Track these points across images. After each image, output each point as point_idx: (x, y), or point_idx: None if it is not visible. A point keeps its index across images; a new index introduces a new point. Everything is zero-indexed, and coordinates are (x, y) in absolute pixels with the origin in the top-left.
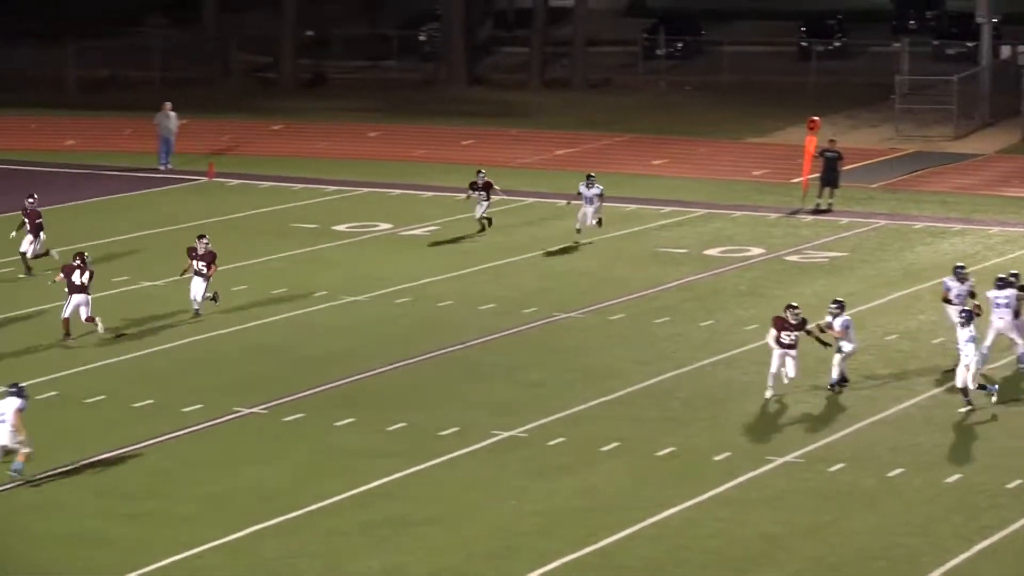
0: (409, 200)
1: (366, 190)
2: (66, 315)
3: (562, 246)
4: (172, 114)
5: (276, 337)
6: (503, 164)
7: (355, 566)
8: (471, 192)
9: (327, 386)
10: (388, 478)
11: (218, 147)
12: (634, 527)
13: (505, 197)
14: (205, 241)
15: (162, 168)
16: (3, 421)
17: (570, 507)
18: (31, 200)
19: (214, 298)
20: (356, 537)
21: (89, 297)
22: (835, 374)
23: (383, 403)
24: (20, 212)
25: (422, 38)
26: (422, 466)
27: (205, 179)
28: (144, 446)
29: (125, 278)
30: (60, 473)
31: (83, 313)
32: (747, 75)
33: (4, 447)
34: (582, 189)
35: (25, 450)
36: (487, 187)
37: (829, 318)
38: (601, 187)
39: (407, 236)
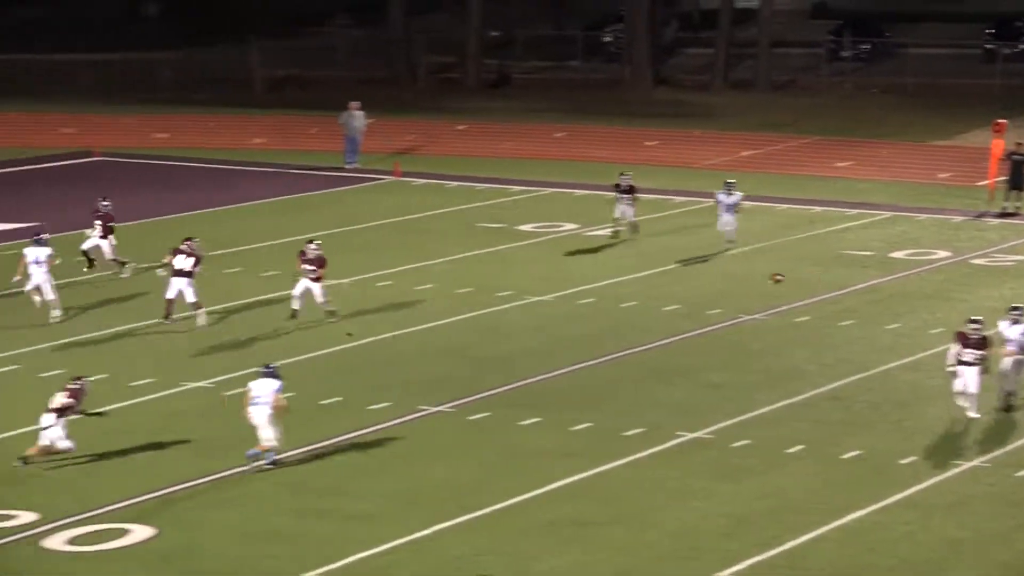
0: (593, 200)
1: (551, 190)
2: (169, 296)
3: (746, 248)
4: (358, 113)
5: (462, 336)
6: (686, 165)
7: (540, 565)
8: (615, 193)
9: (512, 385)
10: (573, 478)
11: (404, 146)
12: (820, 530)
13: (659, 198)
14: (313, 246)
15: (347, 167)
16: (261, 403)
17: (755, 509)
18: (105, 204)
19: (332, 312)
20: (541, 536)
21: (192, 282)
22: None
23: (568, 403)
24: (92, 213)
25: (607, 39)
26: (606, 467)
27: (391, 178)
28: (331, 443)
29: None
30: (249, 469)
31: (188, 296)
32: (932, 78)
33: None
34: (720, 197)
35: (272, 441)
36: (631, 190)
37: (1006, 323)
38: (741, 194)
39: (592, 236)
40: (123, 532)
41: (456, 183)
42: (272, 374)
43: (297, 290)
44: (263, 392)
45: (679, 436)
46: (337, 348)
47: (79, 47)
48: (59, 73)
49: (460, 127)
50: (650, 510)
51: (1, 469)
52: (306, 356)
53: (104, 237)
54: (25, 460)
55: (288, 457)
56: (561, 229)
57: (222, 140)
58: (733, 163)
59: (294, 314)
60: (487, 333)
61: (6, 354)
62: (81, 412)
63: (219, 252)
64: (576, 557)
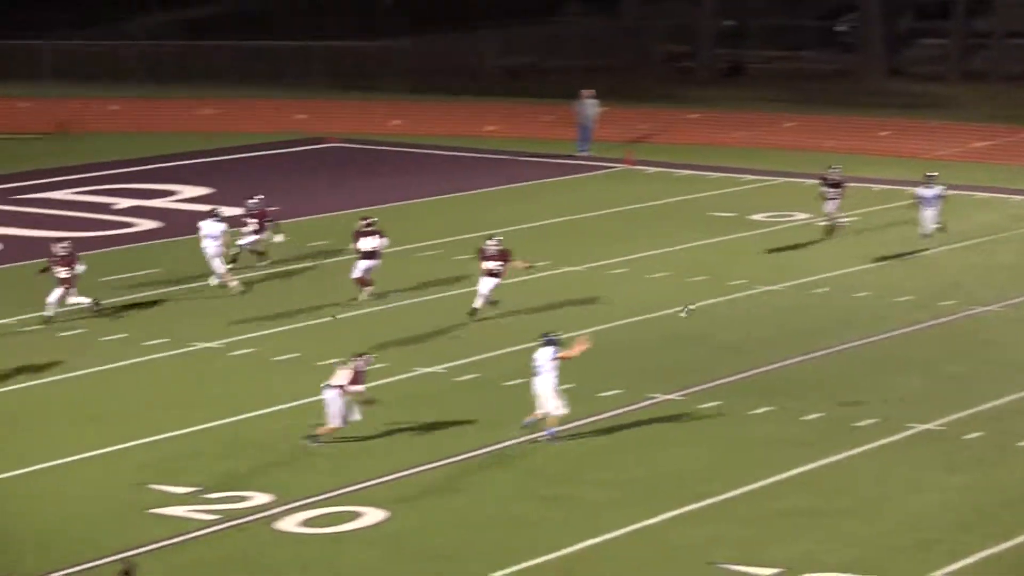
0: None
1: (782, 180)
2: (355, 276)
3: (978, 240)
4: (591, 101)
5: (694, 325)
6: (917, 156)
7: (769, 555)
8: (822, 187)
9: (744, 374)
10: (803, 468)
11: (636, 135)
12: None
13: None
14: (493, 242)
15: (579, 154)
16: (543, 372)
17: (987, 502)
18: (257, 200)
19: (494, 303)
20: (771, 526)
21: (376, 263)
22: None
23: (799, 393)
24: (245, 210)
25: (841, 29)
26: (837, 457)
27: (622, 166)
28: (563, 430)
29: (547, 262)
30: (479, 455)
31: (359, 272)
32: None
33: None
34: (920, 191)
35: (560, 412)
36: (838, 184)
37: None
38: (942, 186)
39: (823, 227)
40: (356, 515)
41: (687, 172)
42: (552, 342)
43: (481, 287)
44: (544, 360)
45: (910, 427)
46: (570, 334)
47: (313, 34)
48: (293, 60)
49: (692, 116)
50: (881, 501)
51: (232, 451)
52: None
53: (258, 232)
54: (313, 438)
55: (520, 444)
56: (793, 219)
57: (455, 127)
58: (965, 154)
59: (474, 312)
60: (719, 322)
61: (237, 338)
62: (354, 392)
63: (449, 239)
64: (807, 547)
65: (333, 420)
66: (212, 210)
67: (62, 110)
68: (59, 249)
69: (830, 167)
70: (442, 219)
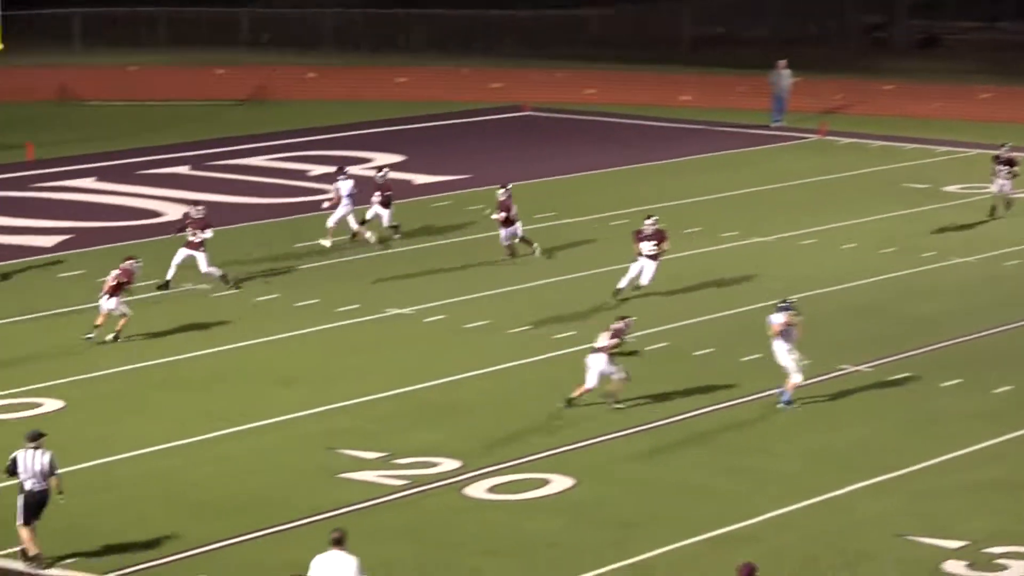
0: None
1: (976, 151)
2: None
3: None
4: (785, 72)
5: (884, 296)
6: None
7: (955, 528)
8: (994, 165)
9: (934, 346)
10: (994, 441)
11: (830, 106)
12: None
13: None
14: (651, 221)
15: (774, 125)
16: (778, 340)
17: None
18: (382, 172)
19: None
20: (959, 499)
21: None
22: None
23: (991, 365)
24: (374, 187)
25: None
26: None
27: (816, 137)
28: (748, 400)
29: (735, 233)
30: (665, 424)
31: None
32: None
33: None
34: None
35: (796, 379)
36: (1010, 162)
37: None
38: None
39: (1019, 199)
40: (543, 482)
41: (880, 143)
42: (786, 307)
43: (632, 271)
44: (777, 321)
45: None
46: (757, 306)
47: (505, 4)
48: (485, 28)
49: (887, 87)
50: None
51: (423, 417)
52: (724, 314)
53: (385, 206)
54: (569, 402)
55: (703, 414)
56: (986, 191)
57: (649, 97)
58: None
59: (617, 292)
60: (910, 293)
61: (429, 305)
62: (617, 351)
63: (641, 208)
64: (996, 519)
65: (589, 382)
66: (340, 168)
67: (258, 77)
68: (194, 212)
69: (1002, 145)
70: (631, 189)
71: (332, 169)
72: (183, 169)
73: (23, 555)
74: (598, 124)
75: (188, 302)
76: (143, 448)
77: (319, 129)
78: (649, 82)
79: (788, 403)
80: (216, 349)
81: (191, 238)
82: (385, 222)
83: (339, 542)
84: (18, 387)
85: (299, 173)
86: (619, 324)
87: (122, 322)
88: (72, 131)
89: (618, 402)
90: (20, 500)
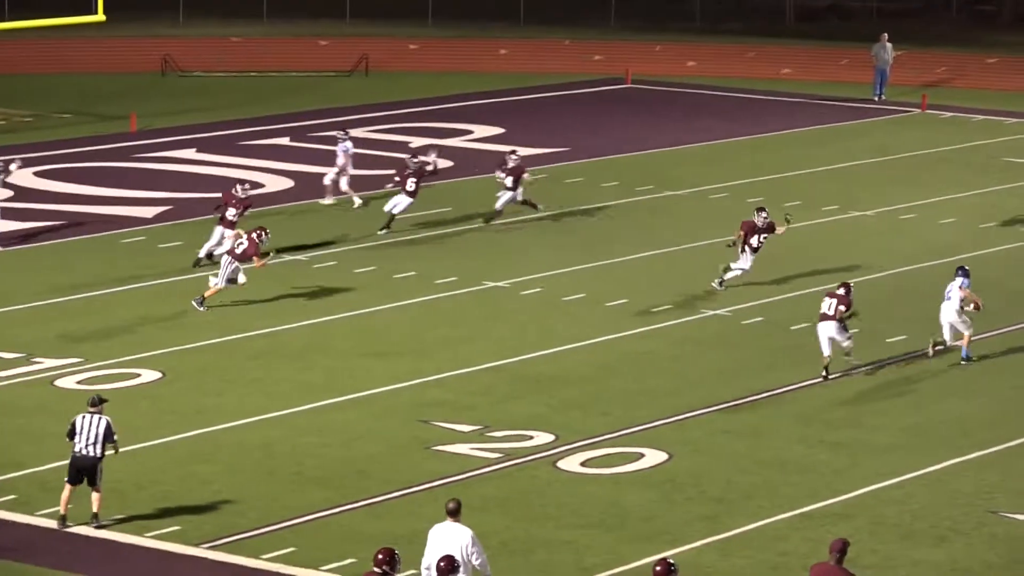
0: None
1: None
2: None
3: None
4: (888, 45)
5: (985, 271)
6: None
7: None
8: None
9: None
10: None
11: (932, 79)
12: None
13: None
14: (764, 215)
15: (876, 99)
16: (951, 299)
17: None
18: (515, 156)
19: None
20: None
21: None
22: None
23: None
24: (500, 167)
25: None
26: None
27: (918, 111)
28: (847, 375)
29: (834, 207)
30: (760, 398)
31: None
32: None
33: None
34: None
35: (967, 332)
36: None
37: None
38: None
39: None
40: (637, 456)
41: (982, 117)
42: (965, 272)
43: (744, 262)
44: (953, 289)
45: None
46: (867, 278)
47: None
48: (588, 0)
49: (990, 60)
50: None
51: (517, 390)
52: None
53: (513, 189)
54: (825, 376)
55: (800, 388)
56: None
57: (750, 70)
58: None
59: (721, 283)
60: (1010, 268)
61: (526, 278)
62: (848, 316)
63: (741, 182)
64: None
65: (825, 351)
66: (344, 131)
67: (361, 49)
68: (239, 191)
69: None
70: (730, 163)
71: (434, 141)
72: (283, 140)
73: (61, 518)
74: (699, 96)
75: (286, 272)
76: (240, 419)
77: (420, 101)
78: (751, 54)
79: (967, 359)
80: (313, 321)
81: (231, 217)
82: (518, 197)
83: (454, 513)
84: (117, 357)
85: (400, 145)
86: (842, 291)
87: (214, 291)
88: (174, 102)
89: (826, 372)
90: (70, 460)
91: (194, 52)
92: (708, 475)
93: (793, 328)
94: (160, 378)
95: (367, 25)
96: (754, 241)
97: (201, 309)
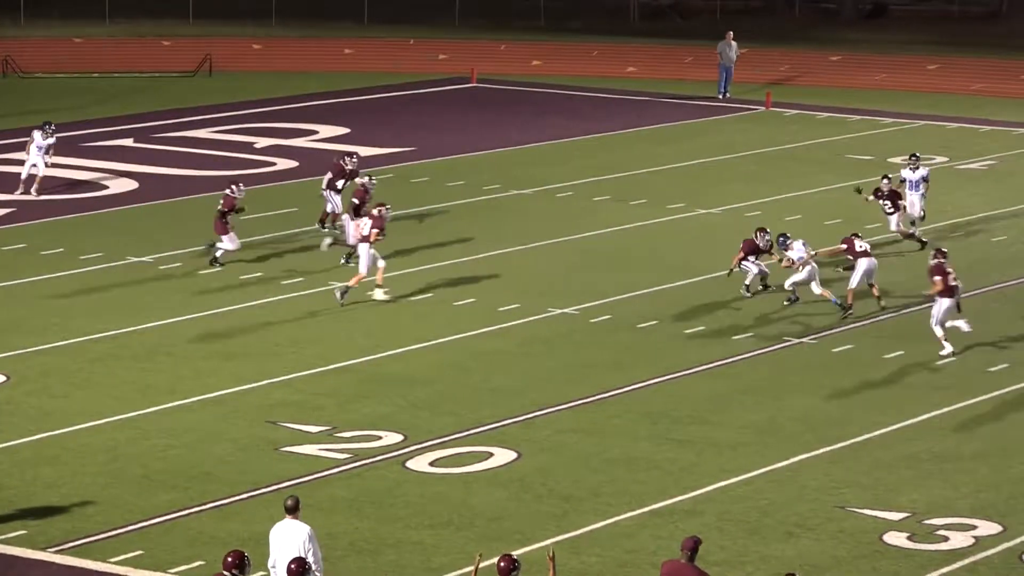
0: (966, 134)
1: (923, 123)
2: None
3: None
4: (733, 43)
5: (831, 269)
6: None
7: (900, 499)
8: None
9: (879, 318)
10: (936, 412)
11: (776, 77)
12: None
13: None
14: (767, 237)
15: (721, 97)
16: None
17: None
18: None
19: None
20: (902, 470)
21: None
22: None
23: (931, 337)
24: None
25: None
26: (970, 401)
27: (762, 109)
28: (692, 372)
29: (680, 205)
30: (608, 397)
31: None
32: None
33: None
34: (905, 174)
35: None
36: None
37: None
38: (927, 169)
39: (963, 170)
40: (486, 455)
41: (827, 114)
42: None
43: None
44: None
45: None
46: (712, 276)
47: None
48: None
49: (833, 58)
50: (1014, 446)
51: (365, 390)
52: (671, 285)
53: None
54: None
55: (648, 386)
56: (932, 162)
57: (596, 68)
58: None
59: (746, 289)
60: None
61: (374, 279)
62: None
63: (587, 180)
64: (938, 491)
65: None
66: (44, 123)
67: (205, 49)
68: (236, 192)
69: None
70: (579, 160)
71: (279, 141)
72: (127, 142)
73: None
74: (544, 95)
75: (130, 274)
76: (85, 422)
77: (264, 101)
78: (595, 53)
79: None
80: (159, 322)
81: (222, 210)
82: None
83: (292, 510)
84: None
85: (244, 145)
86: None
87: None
88: (15, 103)
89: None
90: None
91: (35, 53)
92: (556, 473)
93: (640, 326)
94: (4, 381)
95: (210, 25)
96: (750, 260)
97: (342, 301)
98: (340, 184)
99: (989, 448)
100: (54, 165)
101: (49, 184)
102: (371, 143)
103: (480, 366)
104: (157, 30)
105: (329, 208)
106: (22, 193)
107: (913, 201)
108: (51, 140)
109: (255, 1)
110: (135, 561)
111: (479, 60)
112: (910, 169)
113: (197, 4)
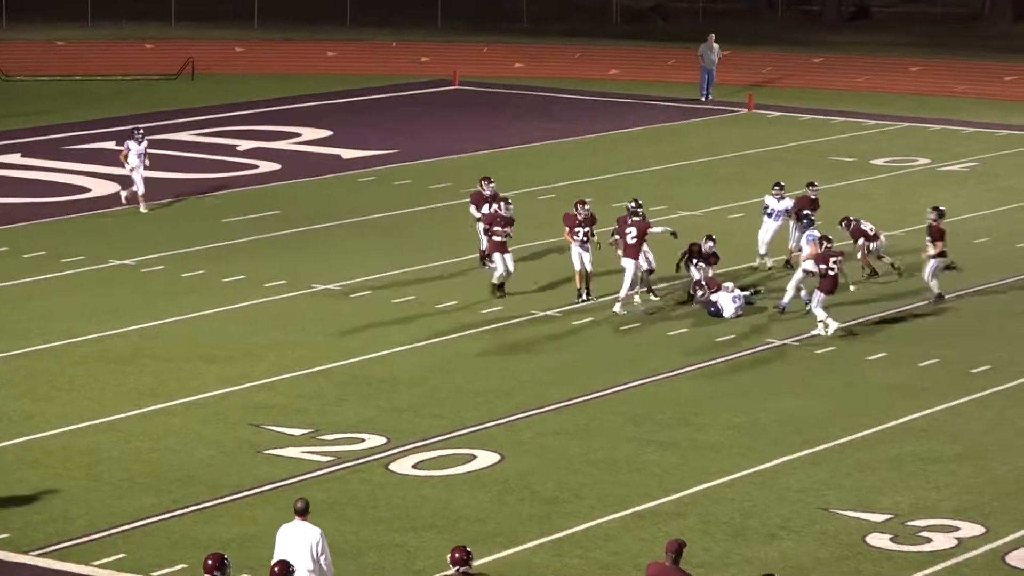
0: (949, 136)
1: (905, 125)
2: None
3: None
4: (715, 45)
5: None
6: None
7: (883, 500)
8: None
9: (863, 319)
10: (919, 414)
11: (759, 79)
12: None
13: (1014, 134)
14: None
15: (703, 99)
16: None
17: None
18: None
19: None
20: (884, 472)
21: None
22: None
23: (917, 339)
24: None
25: None
26: (953, 403)
27: (745, 111)
28: (677, 374)
29: (663, 207)
30: (593, 399)
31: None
32: None
33: None
34: (769, 201)
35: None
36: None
37: None
38: (791, 201)
39: (945, 172)
40: (469, 458)
41: (809, 116)
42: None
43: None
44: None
45: None
46: (687, 280)
47: None
48: (415, 3)
49: (816, 60)
50: (996, 448)
51: (348, 393)
52: (656, 286)
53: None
54: None
55: (632, 388)
56: (914, 164)
57: (578, 71)
58: None
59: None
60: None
61: (357, 280)
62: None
63: (569, 183)
64: (919, 493)
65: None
66: (135, 128)
67: (187, 52)
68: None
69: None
70: (560, 163)
71: (261, 144)
72: (109, 144)
73: None
74: (527, 98)
75: (113, 277)
76: (68, 425)
77: (246, 104)
78: (577, 55)
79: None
80: (141, 325)
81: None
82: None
83: (302, 512)
84: None
85: (227, 148)
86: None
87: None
88: None
89: None
90: None
91: (18, 56)
92: (540, 476)
93: (623, 328)
94: None
95: (193, 28)
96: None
97: (590, 300)
98: (485, 210)
99: (972, 450)
100: (40, 168)
101: (43, 188)
102: (354, 145)
103: (463, 368)
104: (139, 33)
105: (483, 246)
106: (128, 205)
107: (768, 228)
108: (144, 145)
109: (237, 4)
110: (118, 564)
111: (462, 62)
112: (775, 198)
113: (179, 7)
